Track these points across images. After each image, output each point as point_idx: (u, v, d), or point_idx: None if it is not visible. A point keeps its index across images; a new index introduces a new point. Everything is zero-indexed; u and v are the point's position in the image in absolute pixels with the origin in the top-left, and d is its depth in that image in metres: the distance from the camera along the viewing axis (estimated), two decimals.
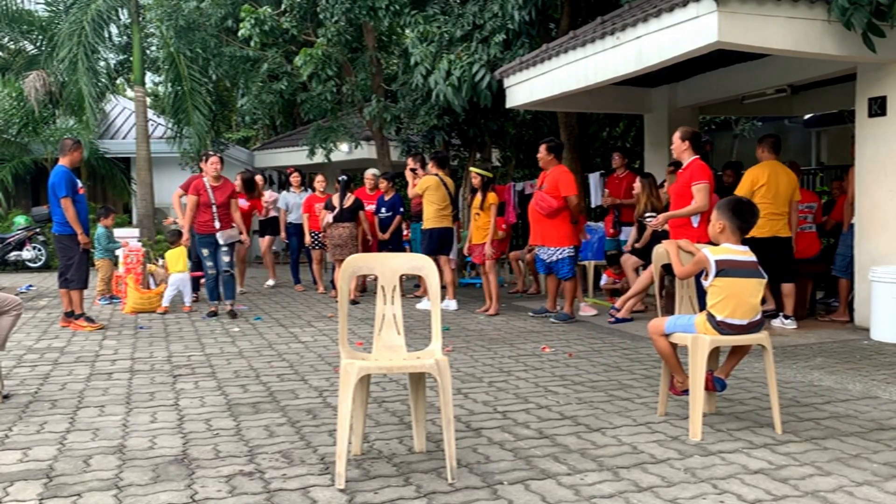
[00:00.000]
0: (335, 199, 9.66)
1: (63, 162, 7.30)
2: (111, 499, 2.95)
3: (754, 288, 3.75)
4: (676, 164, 7.22)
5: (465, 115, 11.13)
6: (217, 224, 8.10)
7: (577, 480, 3.11)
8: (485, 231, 8.37)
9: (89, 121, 15.71)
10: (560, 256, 7.50)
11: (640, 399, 4.48)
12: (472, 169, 8.92)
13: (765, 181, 6.70)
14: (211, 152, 8.35)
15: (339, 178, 9.80)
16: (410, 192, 9.35)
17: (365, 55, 13.01)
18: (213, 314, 8.22)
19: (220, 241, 8.10)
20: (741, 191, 6.70)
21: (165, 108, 17.96)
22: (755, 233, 6.60)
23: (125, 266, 9.39)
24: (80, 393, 4.74)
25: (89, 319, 7.51)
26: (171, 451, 3.54)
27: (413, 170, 9.49)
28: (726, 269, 3.72)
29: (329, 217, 9.64)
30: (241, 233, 8.57)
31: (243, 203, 9.88)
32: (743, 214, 3.84)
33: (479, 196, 8.48)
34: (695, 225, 6.25)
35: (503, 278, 11.66)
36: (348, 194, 9.66)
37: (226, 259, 8.19)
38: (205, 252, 8.17)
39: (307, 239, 10.59)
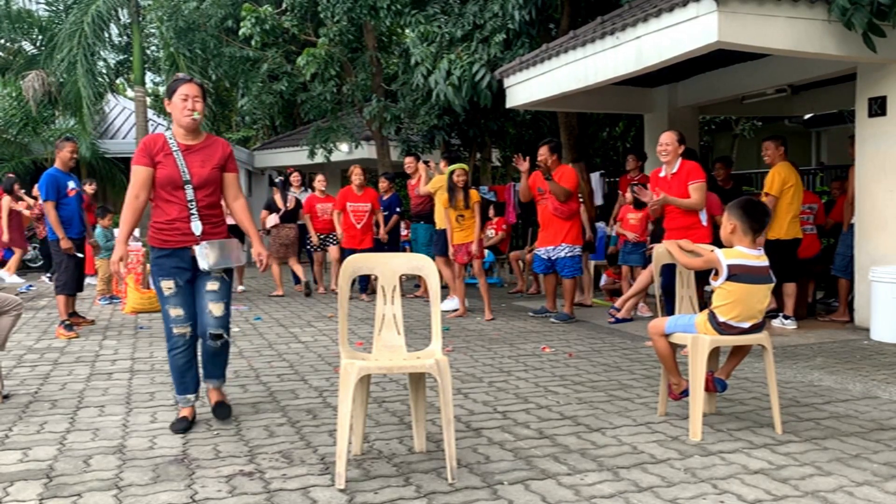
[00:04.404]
0: (278, 200, 10.18)
1: (56, 163, 7.25)
2: (111, 499, 2.95)
3: (763, 294, 3.72)
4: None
5: (465, 115, 11.14)
6: (196, 227, 3.89)
7: (578, 480, 3.11)
8: (470, 230, 7.90)
9: (87, 122, 15.71)
10: (571, 253, 7.51)
11: (640, 399, 4.48)
12: (458, 166, 7.95)
13: (793, 182, 6.70)
14: (182, 75, 4.16)
15: (276, 181, 10.50)
16: (422, 188, 9.32)
17: (365, 55, 13.02)
18: (184, 428, 3.84)
19: (203, 265, 3.85)
20: (773, 189, 6.66)
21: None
22: (782, 235, 6.64)
23: (125, 266, 9.37)
24: (80, 393, 4.74)
25: (68, 327, 7.00)
26: (171, 451, 3.54)
27: (427, 162, 9.50)
28: (738, 273, 3.65)
29: (275, 218, 10.12)
30: (242, 248, 4.26)
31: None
32: (755, 215, 3.72)
33: (460, 196, 7.79)
34: (704, 223, 6.25)
35: (502, 279, 11.67)
36: (289, 195, 10.25)
37: (217, 312, 3.89)
38: (166, 287, 3.93)
39: (314, 240, 10.54)
